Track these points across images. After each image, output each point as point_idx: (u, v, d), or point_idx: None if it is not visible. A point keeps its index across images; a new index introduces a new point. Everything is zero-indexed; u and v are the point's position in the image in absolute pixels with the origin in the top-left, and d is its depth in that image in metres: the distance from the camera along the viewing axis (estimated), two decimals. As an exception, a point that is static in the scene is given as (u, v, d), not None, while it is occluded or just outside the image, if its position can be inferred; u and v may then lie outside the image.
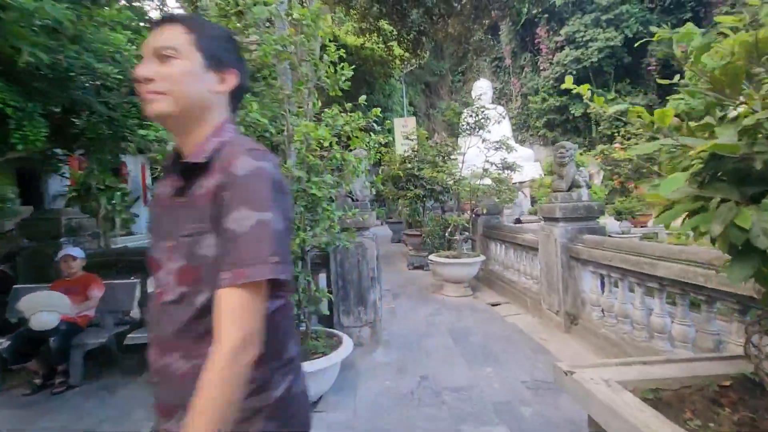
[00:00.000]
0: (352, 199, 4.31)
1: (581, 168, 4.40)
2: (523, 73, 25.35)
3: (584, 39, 21.36)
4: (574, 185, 4.36)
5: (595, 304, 3.95)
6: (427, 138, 7.08)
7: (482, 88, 25.87)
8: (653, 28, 1.67)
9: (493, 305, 5.73)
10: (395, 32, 13.86)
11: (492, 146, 6.47)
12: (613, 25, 20.94)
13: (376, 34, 13.91)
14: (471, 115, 6.10)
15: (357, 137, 3.47)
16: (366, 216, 4.17)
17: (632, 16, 20.76)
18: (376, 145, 3.64)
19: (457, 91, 27.69)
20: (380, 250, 4.65)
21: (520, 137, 25.71)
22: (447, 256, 6.33)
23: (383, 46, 14.07)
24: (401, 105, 17.64)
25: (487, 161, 6.51)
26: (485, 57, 14.69)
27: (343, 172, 3.44)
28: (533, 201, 20.93)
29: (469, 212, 7.08)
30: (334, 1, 14.04)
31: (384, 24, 14.20)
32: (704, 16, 19.89)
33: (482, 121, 6.21)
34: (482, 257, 6.30)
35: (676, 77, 1.62)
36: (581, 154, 15.75)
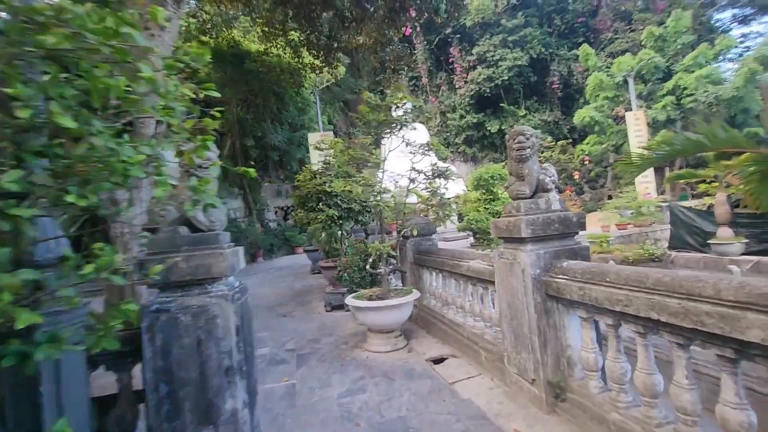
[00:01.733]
0: (193, 230, 2.44)
1: (546, 165, 3.06)
2: (440, 92, 25.49)
3: (494, 58, 21.98)
4: (540, 188, 2.99)
5: (592, 369, 2.52)
6: (342, 151, 5.44)
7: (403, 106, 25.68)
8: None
9: (436, 362, 4.15)
10: (303, 38, 12.33)
11: (418, 150, 5.05)
12: (519, 46, 21.85)
13: (282, 39, 12.25)
14: (394, 107, 4.67)
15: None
16: (217, 258, 2.33)
17: (535, 38, 21.86)
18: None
19: (380, 109, 26.98)
20: (294, 284, 2.79)
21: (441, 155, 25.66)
22: (370, 297, 4.66)
23: (291, 51, 12.43)
24: (318, 122, 16.00)
25: (414, 169, 5.07)
26: (403, 67, 13.79)
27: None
28: (460, 217, 20.57)
29: (396, 234, 5.52)
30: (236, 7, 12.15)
31: (291, 30, 12.60)
32: (593, 40, 21.60)
33: (404, 117, 4.79)
34: (415, 293, 4.74)
35: None
36: (503, 166, 15.46)
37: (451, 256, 4.54)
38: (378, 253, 4.43)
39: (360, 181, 4.37)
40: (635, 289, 2.04)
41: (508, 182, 3.16)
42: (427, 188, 4.73)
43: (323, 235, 8.38)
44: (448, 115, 24.86)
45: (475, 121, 23.72)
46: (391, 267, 4.86)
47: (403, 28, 12.44)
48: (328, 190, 5.45)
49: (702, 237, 10.60)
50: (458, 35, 23.64)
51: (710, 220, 10.67)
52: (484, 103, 23.88)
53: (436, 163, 4.87)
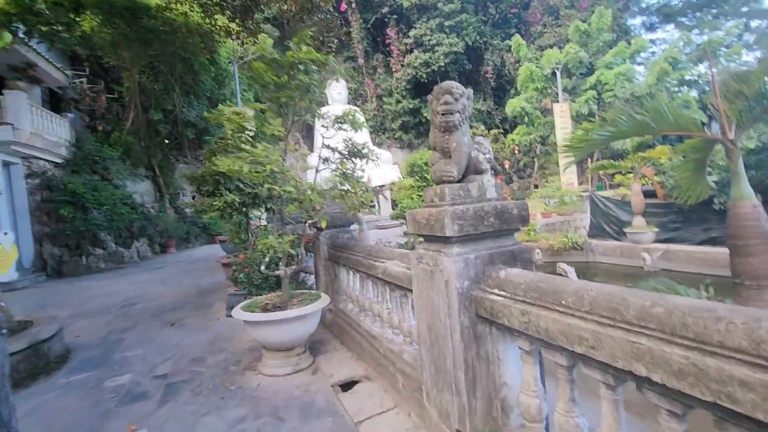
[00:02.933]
0: None
1: (480, 139, 2.30)
2: (377, 74, 24.54)
3: (431, 43, 21.50)
4: (471, 169, 2.22)
5: (534, 419, 1.82)
6: (228, 119, 4.17)
7: (338, 87, 24.24)
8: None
9: (344, 387, 3.30)
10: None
11: (330, 123, 4.10)
12: (455, 32, 21.57)
13: (188, -7, 10.36)
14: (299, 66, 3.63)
15: None
16: None
17: (470, 25, 21.72)
18: None
19: (311, 90, 25.30)
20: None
21: (377, 140, 24.80)
22: (266, 306, 3.66)
23: (200, 11, 10.60)
24: (237, 96, 14.18)
25: (326, 146, 4.11)
26: (333, 39, 12.59)
27: None
28: (394, 204, 20.06)
29: (307, 227, 4.54)
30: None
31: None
32: (525, 32, 22.03)
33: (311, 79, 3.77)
34: (325, 299, 3.84)
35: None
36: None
37: (366, 254, 3.69)
38: (275, 250, 3.43)
39: (248, 158, 3.31)
40: (608, 323, 1.31)
41: (431, 160, 2.34)
42: (338, 170, 3.79)
43: (230, 226, 7.14)
44: (384, 99, 24.06)
45: (411, 106, 23.20)
46: (293, 268, 3.89)
47: (333, -5, 11.21)
48: (223, 170, 4.28)
49: (618, 226, 11.04)
50: (395, 15, 22.78)
51: (625, 209, 11.14)
52: (420, 89, 23.40)
53: (351, 139, 3.95)
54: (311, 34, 3.68)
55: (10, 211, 11.40)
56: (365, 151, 3.93)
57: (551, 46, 18.89)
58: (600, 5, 17.70)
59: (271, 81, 3.80)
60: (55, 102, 15.02)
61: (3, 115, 10.62)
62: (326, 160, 4.22)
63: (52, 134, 12.62)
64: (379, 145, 24.49)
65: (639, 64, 21.15)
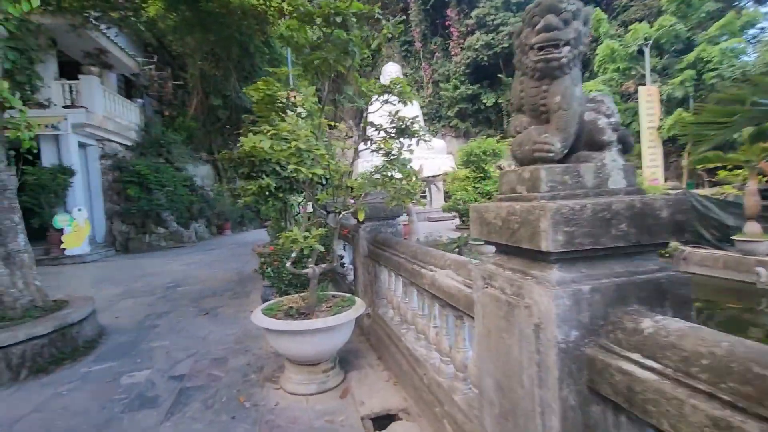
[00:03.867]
0: None
1: (599, 95, 1.40)
2: (434, 59, 23.32)
3: (495, 23, 19.83)
4: (583, 143, 1.35)
5: None
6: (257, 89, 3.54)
7: (392, 72, 23.39)
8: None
9: (377, 424, 2.61)
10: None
11: (378, 91, 3.35)
12: (523, 9, 19.63)
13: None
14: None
15: None
16: None
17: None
18: None
19: (366, 75, 24.76)
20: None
21: (431, 128, 23.71)
22: (289, 311, 3.06)
23: (254, -10, 10.32)
24: (290, 80, 13.90)
25: (368, 122, 3.39)
26: (388, 17, 11.75)
27: None
28: (447, 196, 18.93)
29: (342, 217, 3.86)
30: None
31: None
32: (605, 6, 19.52)
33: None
34: (359, 306, 3.16)
35: None
36: (498, 141, 13.78)
37: (411, 256, 2.93)
38: (301, 247, 2.78)
39: (270, 132, 2.67)
40: None
41: (512, 126, 1.50)
42: (381, 150, 3.03)
43: (273, 212, 6.74)
44: (441, 85, 22.83)
45: (469, 92, 21.76)
46: (324, 266, 3.24)
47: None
48: (247, 149, 3.73)
49: (720, 232, 9.17)
50: (457, -5, 21.32)
51: (731, 212, 9.23)
52: (480, 73, 21.85)
53: (398, 112, 3.17)
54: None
55: (86, 189, 12.14)
56: (416, 127, 3.13)
57: (639, 20, 16.48)
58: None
59: (306, 42, 3.12)
60: (129, 88, 15.86)
61: (78, 98, 11.20)
62: (368, 140, 3.48)
63: (123, 118, 13.25)
64: (434, 133, 23.39)
65: (749, 41, 17.97)
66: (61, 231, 10.53)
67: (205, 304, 5.83)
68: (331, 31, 2.90)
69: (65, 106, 10.83)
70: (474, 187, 12.77)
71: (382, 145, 2.95)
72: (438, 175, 20.47)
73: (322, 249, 2.83)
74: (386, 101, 3.46)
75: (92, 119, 11.21)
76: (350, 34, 2.91)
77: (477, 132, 23.34)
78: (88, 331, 4.28)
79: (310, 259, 3.15)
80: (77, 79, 11.27)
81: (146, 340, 4.43)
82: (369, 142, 3.53)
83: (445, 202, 19.40)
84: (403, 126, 3.09)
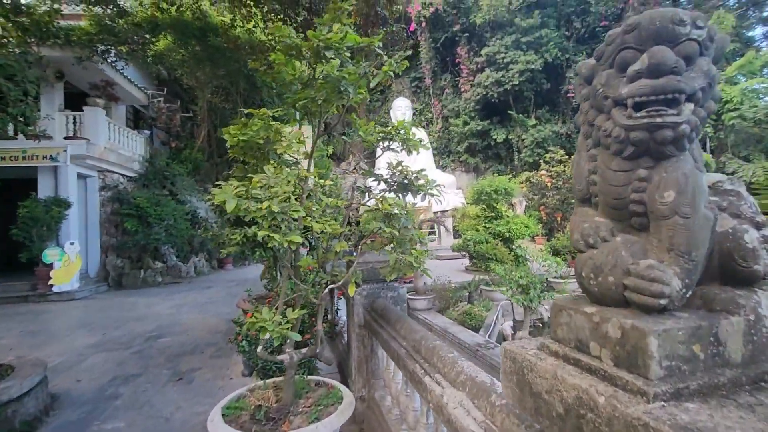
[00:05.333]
0: None
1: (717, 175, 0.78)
2: (444, 95, 23.35)
3: (505, 61, 19.84)
4: (720, 259, 0.71)
5: None
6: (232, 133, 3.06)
7: (402, 107, 23.39)
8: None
9: None
10: (280, 15, 10.19)
11: (376, 138, 2.83)
12: (532, 49, 19.70)
13: (256, 10, 10.09)
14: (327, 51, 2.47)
15: None
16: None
17: (551, 41, 19.73)
18: None
19: (376, 110, 24.86)
20: None
21: (441, 162, 23.41)
22: (254, 414, 2.40)
23: (263, 26, 10.29)
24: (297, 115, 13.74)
25: (373, 173, 2.85)
26: (397, 53, 11.63)
27: None
28: (456, 233, 18.25)
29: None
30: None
31: (266, 2, 10.46)
32: (616, 47, 19.43)
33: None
34: (347, 406, 2.48)
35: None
36: (510, 179, 13.25)
37: (413, 348, 2.27)
38: (269, 329, 2.16)
39: (236, 189, 2.13)
40: None
41: (577, 225, 0.90)
42: (376, 207, 2.45)
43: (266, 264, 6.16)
44: (451, 120, 22.70)
45: (479, 128, 21.53)
46: (304, 352, 2.59)
47: (398, 7, 10.30)
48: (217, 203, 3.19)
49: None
50: (467, 34, 21.54)
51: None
52: (490, 110, 21.72)
53: (400, 164, 2.62)
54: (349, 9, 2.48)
55: (82, 221, 11.77)
56: (421, 182, 2.56)
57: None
58: (718, 9, 14.86)
59: (293, 78, 2.64)
60: (137, 119, 15.89)
61: (81, 130, 11.05)
62: (366, 191, 2.93)
63: (127, 149, 13.08)
64: (443, 168, 23.06)
65: None
66: (50, 266, 10.05)
67: (182, 365, 5.14)
68: (322, 67, 2.41)
69: (66, 137, 10.65)
70: (485, 226, 12.12)
71: (379, 204, 2.36)
72: (447, 210, 19.92)
73: (298, 338, 2.20)
74: (388, 147, 2.94)
75: (93, 151, 11.00)
76: (343, 71, 2.41)
77: (487, 167, 22.95)
78: (30, 407, 3.61)
79: (288, 340, 2.52)
80: (82, 110, 11.16)
81: (100, 418, 3.74)
82: (367, 193, 2.98)
83: (454, 238, 18.74)
84: (407, 180, 2.52)
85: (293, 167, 2.81)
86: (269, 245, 2.47)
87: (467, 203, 16.92)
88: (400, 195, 2.69)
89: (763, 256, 0.73)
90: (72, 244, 10.60)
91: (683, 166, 0.71)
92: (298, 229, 2.28)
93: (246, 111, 2.76)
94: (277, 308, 2.27)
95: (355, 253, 2.92)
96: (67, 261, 10.46)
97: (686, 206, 0.70)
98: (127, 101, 14.09)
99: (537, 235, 17.48)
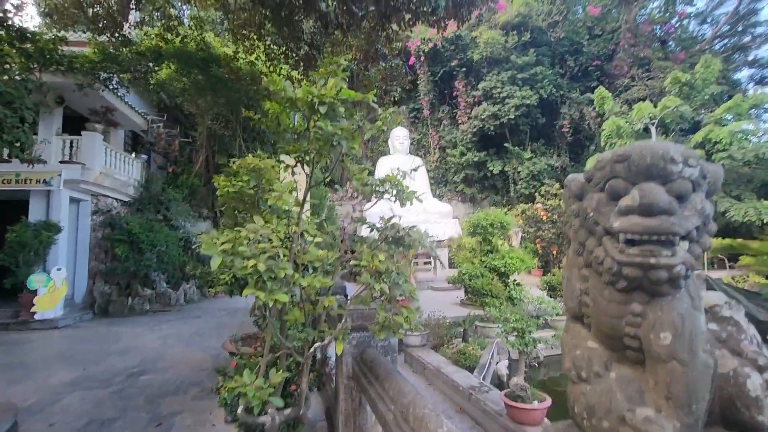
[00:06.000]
0: None
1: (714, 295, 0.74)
2: (441, 126, 23.82)
3: (501, 95, 20.39)
4: (721, 403, 0.65)
5: None
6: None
7: (400, 137, 23.77)
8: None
9: None
10: (282, 48, 10.48)
11: (367, 191, 2.82)
12: (528, 85, 20.30)
13: (259, 43, 10.36)
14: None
15: None
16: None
17: (545, 78, 20.36)
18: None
19: (375, 139, 25.24)
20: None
21: (438, 192, 23.58)
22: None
23: (265, 59, 10.54)
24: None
25: (356, 218, 2.82)
26: (395, 87, 11.92)
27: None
28: (451, 264, 18.14)
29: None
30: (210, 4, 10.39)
31: (269, 33, 10.78)
32: (608, 85, 20.10)
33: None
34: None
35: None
36: (506, 212, 13.31)
37: (402, 414, 2.17)
38: (249, 395, 2.05)
39: (221, 244, 2.08)
40: None
41: (569, 347, 0.84)
42: (369, 263, 2.39)
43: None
44: (448, 150, 23.05)
45: (476, 159, 21.84)
46: (287, 413, 2.47)
47: (398, 44, 10.66)
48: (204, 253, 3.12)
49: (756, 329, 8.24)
50: (464, 68, 22.23)
51: (761, 304, 8.36)
52: (487, 142, 22.12)
53: (392, 216, 2.60)
54: (348, 61, 2.52)
55: (71, 246, 11.60)
56: (413, 237, 2.52)
57: (642, 100, 16.76)
58: (705, 53, 15.46)
59: (287, 128, 2.65)
60: (135, 144, 15.99)
61: (77, 154, 11.06)
62: (362, 221, 2.87)
63: (123, 174, 13.07)
64: (440, 197, 23.21)
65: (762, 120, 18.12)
66: (35, 292, 9.81)
67: (163, 407, 4.92)
68: (315, 121, 2.42)
69: (62, 161, 10.65)
70: (480, 260, 12.05)
71: (368, 259, 2.31)
72: (443, 240, 19.88)
73: (281, 404, 2.09)
74: (382, 195, 2.92)
75: (88, 176, 10.98)
76: (336, 126, 2.41)
77: (483, 198, 23.11)
78: (-6, 458, 3.40)
79: (267, 405, 2.40)
80: (80, 134, 11.22)
81: (68, 470, 3.52)
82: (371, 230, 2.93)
83: (450, 267, 18.61)
84: (399, 236, 2.48)
85: (284, 215, 2.77)
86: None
87: (463, 234, 16.91)
88: (391, 248, 2.64)
89: (767, 406, 0.68)
90: (59, 269, 10.40)
91: (679, 305, 0.67)
92: (286, 286, 2.22)
93: (234, 162, 2.74)
94: (258, 371, 2.17)
95: (347, 300, 2.84)
96: (53, 287, 10.22)
97: (684, 352, 0.65)
98: (127, 126, 14.22)
99: (533, 268, 17.45)
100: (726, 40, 23.27)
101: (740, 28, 22.85)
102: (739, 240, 8.78)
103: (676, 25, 22.82)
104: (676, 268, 0.65)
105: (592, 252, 0.75)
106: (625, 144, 8.40)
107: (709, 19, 25.02)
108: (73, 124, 11.87)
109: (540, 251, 17.43)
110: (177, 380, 5.94)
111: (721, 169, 0.78)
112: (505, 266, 11.35)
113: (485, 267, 11.61)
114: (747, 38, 23.34)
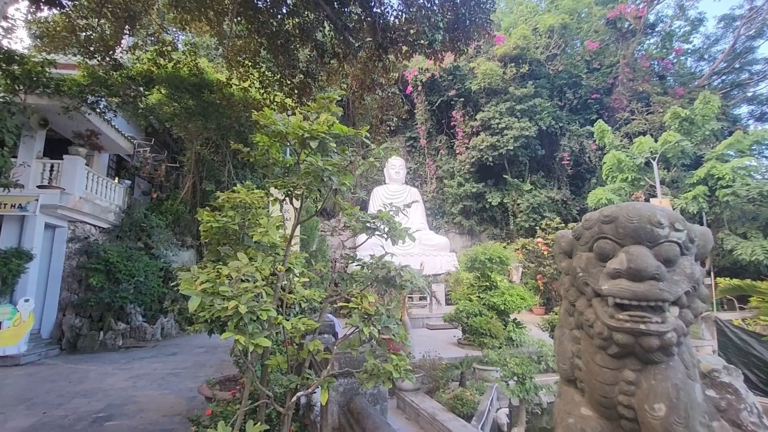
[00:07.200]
0: None
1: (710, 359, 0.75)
2: (439, 155, 24.24)
3: (500, 126, 20.93)
4: None
5: None
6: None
7: (396, 166, 24.12)
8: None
9: None
10: (277, 76, 10.80)
11: (358, 226, 2.83)
12: (527, 116, 20.90)
13: (254, 70, 10.68)
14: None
15: None
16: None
17: (544, 110, 21.01)
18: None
19: (370, 169, 25.55)
20: None
21: (434, 223, 23.67)
22: None
23: (259, 86, 10.82)
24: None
25: (346, 255, 2.82)
26: (392, 117, 12.22)
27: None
28: (448, 300, 17.92)
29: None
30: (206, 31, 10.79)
31: (264, 61, 11.14)
32: (608, 118, 20.76)
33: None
34: None
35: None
36: (505, 245, 13.34)
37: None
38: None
39: (201, 284, 2.06)
40: None
41: (562, 413, 0.82)
42: (356, 309, 2.37)
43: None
44: (445, 181, 23.34)
45: (474, 190, 22.09)
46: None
47: (395, 73, 11.02)
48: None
49: (766, 374, 8.14)
50: (462, 99, 22.91)
51: (771, 348, 8.29)
52: (485, 173, 22.47)
53: (383, 255, 2.59)
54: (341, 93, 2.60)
55: (43, 275, 11.37)
56: (406, 276, 2.51)
57: (642, 134, 17.28)
58: (704, 90, 16.13)
59: (277, 162, 2.69)
60: (119, 168, 16.06)
61: (57, 179, 11.06)
62: (353, 258, 2.88)
63: (104, 200, 13.03)
64: (437, 229, 23.27)
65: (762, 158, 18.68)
66: (-2, 325, 9.51)
67: (126, 459, 4.67)
68: (305, 155, 2.46)
69: (40, 186, 10.62)
70: (479, 296, 11.94)
71: (358, 304, 2.29)
72: (440, 274, 19.74)
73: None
74: (373, 232, 2.93)
75: (67, 201, 10.93)
76: (327, 161, 2.46)
77: (482, 230, 23.19)
78: None
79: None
80: (62, 157, 11.26)
81: None
82: (362, 268, 2.91)
83: (447, 303, 18.37)
84: (390, 276, 2.47)
85: (270, 252, 2.76)
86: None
87: (460, 269, 16.83)
88: (383, 288, 2.62)
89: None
90: (26, 301, 10.13)
91: (673, 375, 0.67)
92: (268, 331, 2.18)
93: (220, 196, 2.75)
94: (235, 423, 2.09)
95: (336, 340, 2.78)
96: (18, 320, 9.92)
97: (680, 426, 0.65)
98: (112, 150, 14.33)
99: (534, 306, 17.28)
100: (724, 77, 24.35)
101: (737, 65, 23.98)
102: (748, 280, 8.84)
103: (674, 61, 23.92)
104: (667, 335, 0.66)
105: (583, 313, 0.76)
106: (626, 177, 8.66)
107: (706, 56, 26.28)
108: (57, 147, 11.95)
109: (541, 288, 17.35)
110: (146, 428, 5.67)
111: (710, 232, 0.80)
112: (504, 304, 11.24)
113: (484, 304, 11.49)
114: (745, 75, 24.46)
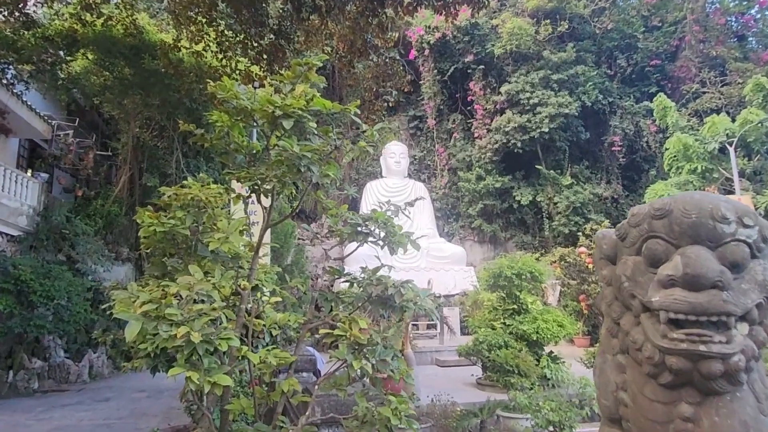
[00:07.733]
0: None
1: None
2: (452, 141, 24.35)
3: (531, 102, 21.06)
4: None
5: None
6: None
7: (396, 154, 24.17)
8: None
9: None
10: (240, 36, 10.87)
11: (346, 231, 2.88)
12: (566, 89, 21.06)
13: (206, 25, 10.74)
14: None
15: None
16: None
17: (589, 81, 21.17)
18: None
19: (362, 158, 25.66)
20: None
21: (446, 229, 23.77)
22: None
23: (216, 49, 10.87)
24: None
25: (330, 269, 2.85)
26: (390, 90, 12.30)
27: None
28: (464, 328, 17.85)
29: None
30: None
31: (221, 20, 11.20)
32: (672, 91, 20.95)
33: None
34: None
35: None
36: (538, 258, 13.42)
37: None
38: None
39: (141, 306, 2.08)
40: None
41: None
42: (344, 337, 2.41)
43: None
44: (460, 174, 23.41)
45: (498, 185, 22.20)
46: None
47: (394, 33, 11.10)
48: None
49: None
50: (482, 66, 23.03)
51: None
52: (512, 163, 22.59)
53: (377, 270, 2.62)
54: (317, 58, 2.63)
55: (-68, 297, 11.34)
56: (407, 295, 2.54)
57: (715, 111, 17.40)
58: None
59: (239, 147, 2.72)
60: (32, 157, 16.05)
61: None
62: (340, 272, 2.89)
63: (12, 199, 13.03)
64: (450, 236, 23.34)
65: None
66: None
67: None
68: (276, 139, 2.49)
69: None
70: (504, 323, 11.99)
71: (346, 328, 2.32)
72: (454, 295, 19.82)
73: None
74: (366, 238, 2.96)
75: (-38, 201, 10.92)
76: (305, 147, 2.48)
77: (508, 238, 23.30)
78: None
79: None
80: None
81: None
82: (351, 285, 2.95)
83: (462, 333, 18.37)
84: (387, 294, 2.50)
85: (232, 264, 2.79)
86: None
87: (480, 287, 16.90)
88: (378, 311, 2.66)
89: None
90: None
91: (741, 408, 0.69)
92: (228, 366, 2.20)
93: (166, 191, 2.78)
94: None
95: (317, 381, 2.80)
96: None
97: None
98: (23, 134, 14.33)
99: (576, 335, 17.36)
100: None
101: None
102: None
103: (758, 17, 24.12)
104: (733, 359, 0.68)
105: (629, 333, 0.79)
106: (695, 167, 8.78)
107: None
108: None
109: (585, 311, 17.44)
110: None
111: None
112: (537, 332, 11.30)
113: (510, 333, 11.55)
114: None
